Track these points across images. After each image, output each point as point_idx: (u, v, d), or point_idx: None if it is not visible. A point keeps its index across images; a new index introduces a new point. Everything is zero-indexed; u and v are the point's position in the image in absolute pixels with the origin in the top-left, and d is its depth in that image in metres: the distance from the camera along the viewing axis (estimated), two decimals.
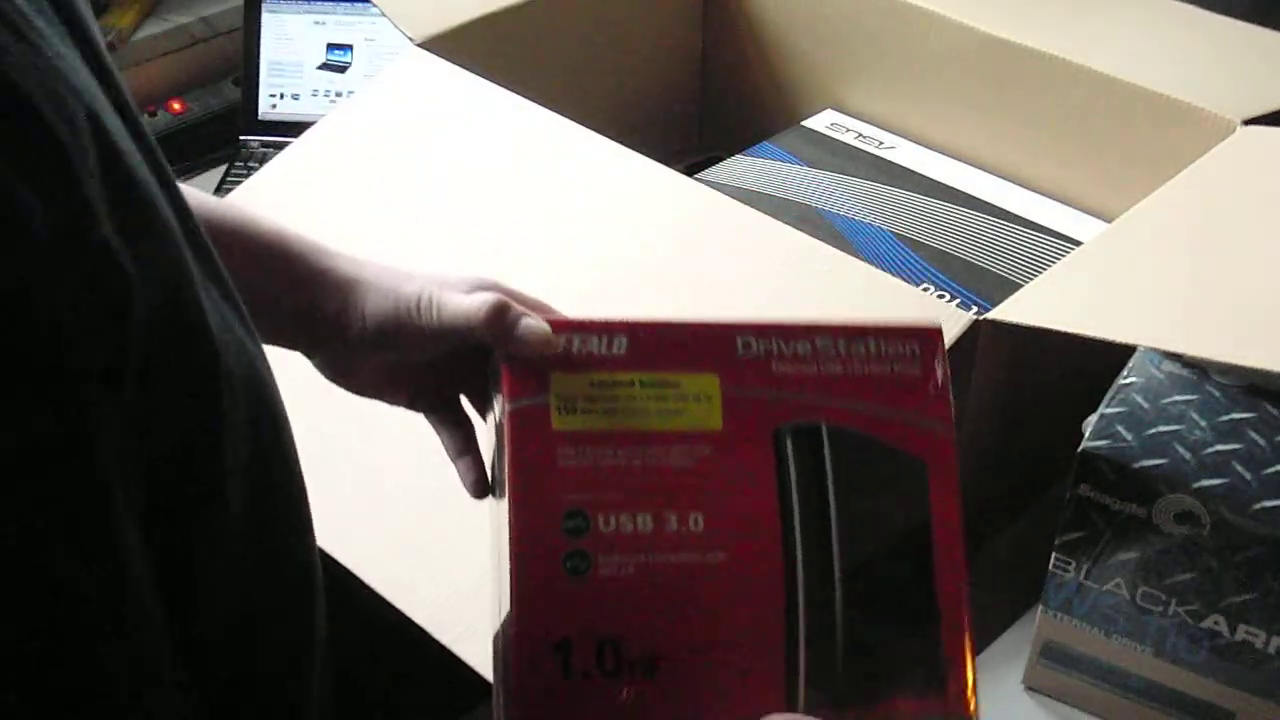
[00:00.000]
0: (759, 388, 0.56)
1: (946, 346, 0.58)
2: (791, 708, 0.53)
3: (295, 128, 1.07)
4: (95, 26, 0.44)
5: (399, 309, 0.60)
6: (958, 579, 0.55)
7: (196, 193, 0.62)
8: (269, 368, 0.51)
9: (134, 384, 0.37)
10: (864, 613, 0.55)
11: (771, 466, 0.55)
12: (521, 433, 0.54)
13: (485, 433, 0.61)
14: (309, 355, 0.64)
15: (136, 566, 0.37)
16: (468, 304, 0.58)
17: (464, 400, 0.66)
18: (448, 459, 0.66)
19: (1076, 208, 1.03)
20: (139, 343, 0.37)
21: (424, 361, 0.62)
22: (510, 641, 0.53)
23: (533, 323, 0.56)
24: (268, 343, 0.62)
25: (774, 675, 0.54)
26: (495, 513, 0.57)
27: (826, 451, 0.55)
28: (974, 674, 0.55)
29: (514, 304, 0.57)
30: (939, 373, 0.57)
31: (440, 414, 0.65)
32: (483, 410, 0.64)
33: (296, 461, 0.53)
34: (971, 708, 0.55)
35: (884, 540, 0.55)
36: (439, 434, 0.65)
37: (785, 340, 0.56)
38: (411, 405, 0.66)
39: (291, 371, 0.63)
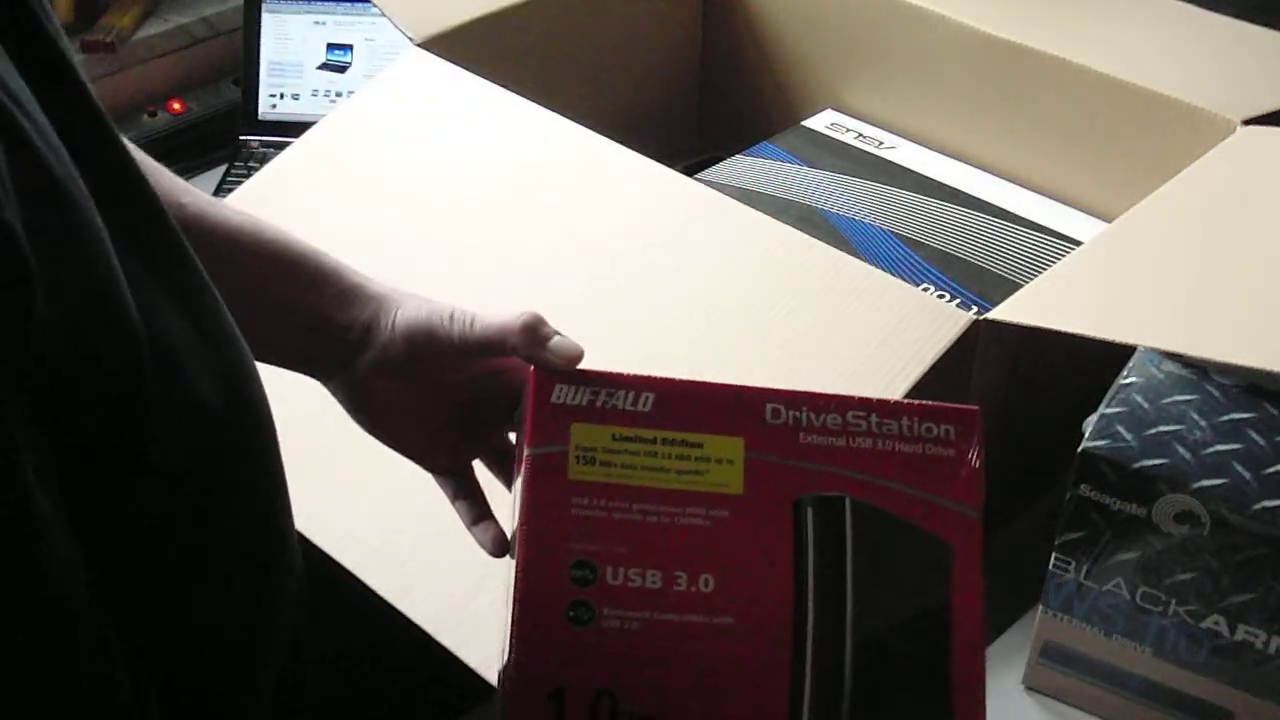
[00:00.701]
0: (784, 456, 0.55)
1: (947, 348, 0.58)
2: None
3: (295, 128, 1.07)
4: (51, 20, 0.44)
5: (431, 317, 0.60)
6: (975, 662, 0.55)
7: (236, 210, 0.63)
8: (253, 366, 0.51)
9: (39, 354, 0.37)
10: (873, 692, 0.54)
11: (789, 535, 0.54)
12: (537, 478, 0.54)
13: (510, 500, 0.61)
14: (328, 378, 0.64)
15: (51, 531, 0.37)
16: (504, 315, 0.59)
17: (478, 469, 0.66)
18: None
19: (1076, 208, 1.03)
20: (44, 324, 0.37)
21: (448, 388, 0.62)
22: (506, 683, 0.52)
23: (566, 340, 0.57)
24: (290, 366, 0.63)
25: None
26: (509, 558, 0.57)
27: (848, 524, 0.55)
28: None
29: (548, 323, 0.58)
30: (973, 456, 0.56)
31: (454, 480, 0.65)
32: (507, 479, 0.64)
33: (267, 425, 0.52)
34: None
35: (900, 618, 0.55)
36: (454, 504, 0.66)
37: (815, 411, 0.56)
38: (425, 462, 0.65)
39: (294, 374, 0.63)
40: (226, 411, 0.47)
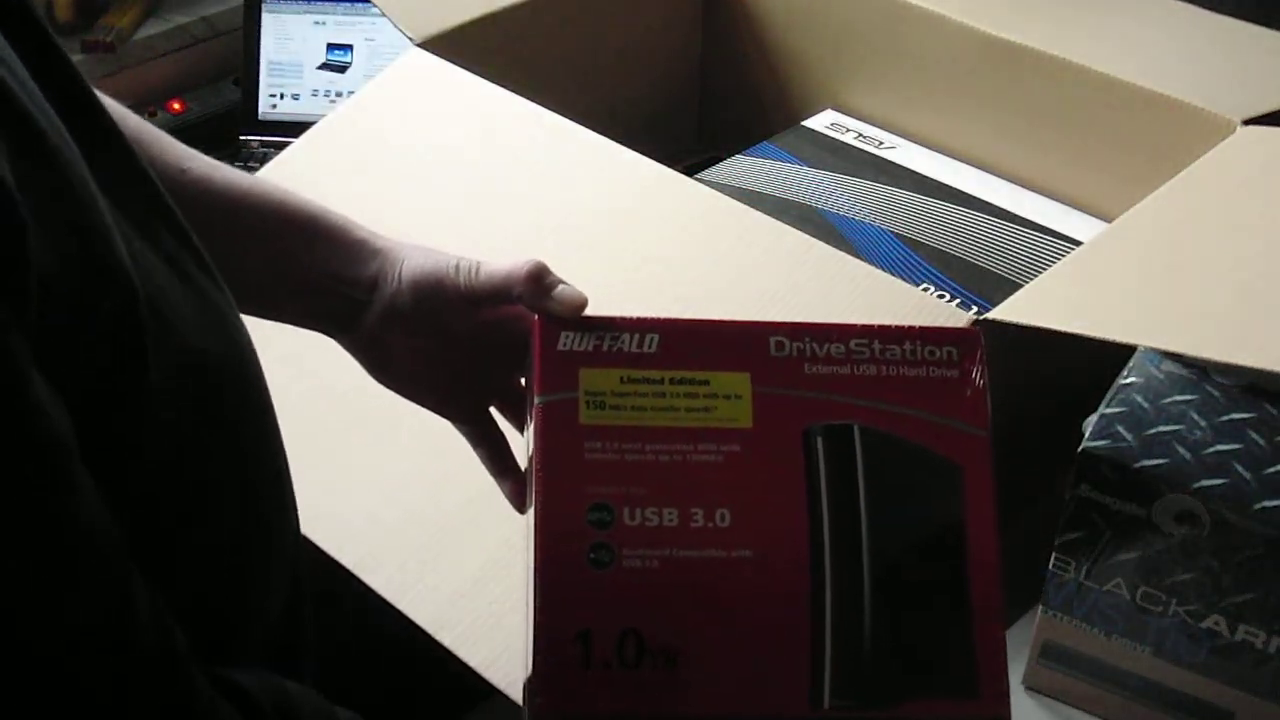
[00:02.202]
0: (791, 387, 0.56)
1: None
2: (815, 707, 0.53)
3: (295, 128, 1.07)
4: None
5: (437, 267, 0.61)
6: (992, 581, 0.55)
7: (240, 173, 0.64)
8: (237, 316, 0.51)
9: (42, 309, 0.37)
10: (893, 614, 0.54)
11: (801, 465, 0.55)
12: (550, 426, 0.55)
13: (524, 446, 0.61)
14: (342, 333, 0.64)
15: (72, 453, 0.38)
16: (508, 263, 0.59)
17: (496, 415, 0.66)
18: (449, 462, 0.67)
19: (1076, 208, 1.03)
20: (44, 277, 0.37)
21: (457, 337, 0.63)
22: (534, 630, 0.53)
23: (570, 288, 0.57)
24: (302, 324, 0.63)
25: (798, 674, 0.54)
26: (529, 513, 0.57)
27: (858, 452, 0.56)
28: (1007, 676, 0.55)
29: (553, 272, 0.58)
30: (976, 376, 0.57)
31: (474, 427, 0.66)
32: (519, 423, 0.65)
33: (259, 373, 0.53)
34: (1007, 709, 0.55)
35: (915, 541, 0.55)
36: (476, 451, 0.66)
37: (819, 341, 0.57)
38: (444, 411, 0.66)
39: (294, 375, 0.63)
40: (220, 358, 0.48)
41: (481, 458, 0.66)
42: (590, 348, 0.56)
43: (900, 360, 0.57)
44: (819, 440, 0.55)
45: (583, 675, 0.53)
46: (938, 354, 0.57)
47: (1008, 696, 0.55)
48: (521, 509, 0.62)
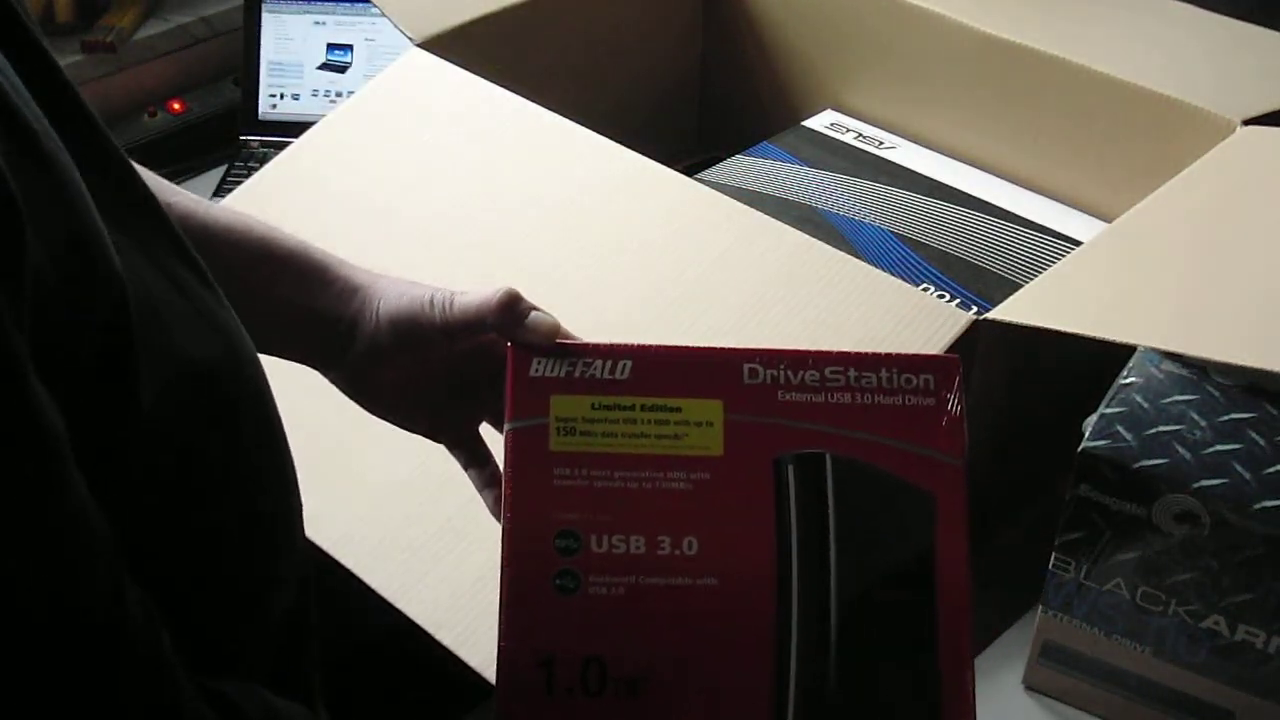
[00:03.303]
0: (763, 415, 0.56)
1: (947, 348, 0.58)
2: None
3: (295, 128, 1.07)
4: None
5: (413, 304, 0.61)
6: (961, 613, 0.55)
7: (223, 208, 0.64)
8: (239, 327, 0.51)
9: (32, 292, 0.37)
10: (859, 646, 0.54)
11: (771, 494, 0.55)
12: (519, 453, 0.55)
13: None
14: (327, 369, 0.65)
15: (64, 445, 0.38)
16: (481, 294, 0.59)
17: (484, 434, 0.67)
18: (449, 462, 0.67)
19: (1076, 208, 1.03)
20: (36, 269, 0.37)
21: (440, 366, 0.63)
22: (498, 654, 0.53)
23: (543, 315, 0.57)
24: (289, 357, 0.64)
25: (762, 704, 0.53)
26: (499, 538, 0.57)
27: (829, 481, 0.55)
28: (974, 713, 0.54)
29: (525, 299, 0.58)
30: (953, 404, 0.56)
31: (463, 449, 0.66)
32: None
33: (268, 409, 0.53)
34: None
35: (885, 571, 0.55)
36: (466, 470, 0.67)
37: (793, 369, 0.56)
38: (433, 435, 0.67)
39: (294, 374, 0.63)
40: (220, 367, 0.48)
41: (471, 478, 0.66)
42: (562, 374, 0.56)
43: (875, 388, 0.56)
44: (790, 469, 0.55)
45: (545, 702, 0.53)
46: (914, 382, 0.56)
47: None
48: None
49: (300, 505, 0.55)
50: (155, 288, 0.45)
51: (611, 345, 0.56)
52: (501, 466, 0.57)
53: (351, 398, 0.65)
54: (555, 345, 0.57)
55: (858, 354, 0.56)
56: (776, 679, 0.53)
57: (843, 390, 0.56)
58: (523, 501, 0.54)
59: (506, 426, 0.55)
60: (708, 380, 0.56)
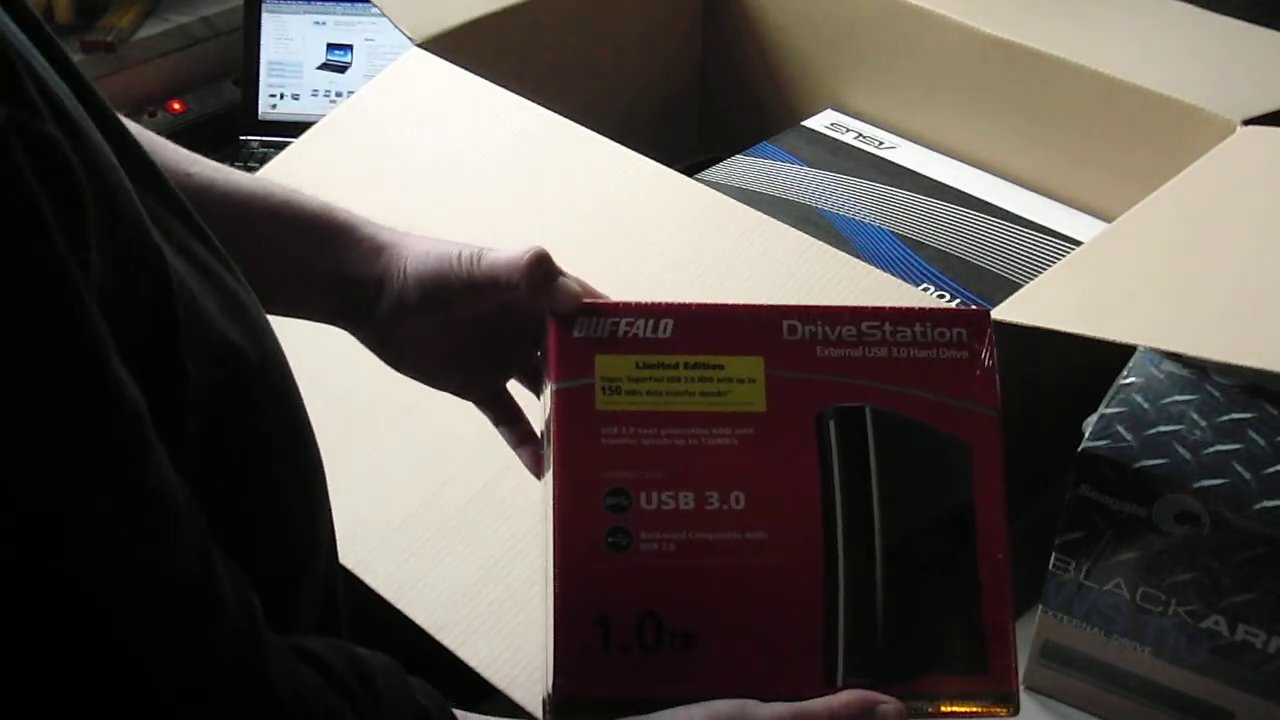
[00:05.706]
0: (803, 371, 0.57)
1: None
2: (830, 685, 0.54)
3: (295, 128, 1.07)
4: None
5: (441, 260, 0.61)
6: (1001, 559, 0.56)
7: (245, 175, 0.65)
8: (261, 312, 0.52)
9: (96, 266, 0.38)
10: (905, 592, 0.55)
11: (814, 448, 0.56)
12: (567, 413, 0.56)
13: (540, 414, 0.62)
14: (355, 328, 0.65)
15: (143, 410, 0.39)
16: (510, 252, 0.59)
17: (513, 389, 0.67)
18: (449, 462, 0.67)
19: (1076, 208, 1.03)
20: (94, 229, 0.38)
21: (468, 323, 0.63)
22: (553, 614, 0.54)
23: (571, 282, 0.57)
24: (314, 319, 0.64)
25: (813, 652, 0.55)
26: (545, 491, 0.58)
27: (870, 434, 0.56)
28: (1015, 651, 0.56)
29: (554, 261, 0.58)
30: (986, 356, 0.58)
31: (493, 406, 0.67)
32: (537, 389, 0.65)
33: (292, 396, 0.54)
34: (1014, 684, 0.56)
35: (926, 521, 0.56)
36: (497, 428, 0.67)
37: (831, 324, 0.57)
38: (463, 392, 0.67)
39: (295, 373, 0.63)
40: (246, 351, 0.48)
41: (502, 434, 0.66)
42: (605, 334, 0.57)
43: (911, 342, 0.57)
44: (831, 423, 0.56)
45: (602, 658, 0.54)
46: (948, 335, 0.58)
47: (1015, 671, 0.56)
48: (539, 475, 0.63)
49: (326, 493, 0.56)
50: (183, 273, 0.45)
51: (653, 304, 0.57)
52: (545, 418, 0.57)
53: (380, 356, 0.65)
54: (596, 304, 0.57)
55: (891, 309, 0.58)
56: (826, 627, 0.55)
57: (879, 344, 0.57)
58: (572, 461, 0.55)
59: (552, 387, 0.56)
60: (748, 337, 0.57)
